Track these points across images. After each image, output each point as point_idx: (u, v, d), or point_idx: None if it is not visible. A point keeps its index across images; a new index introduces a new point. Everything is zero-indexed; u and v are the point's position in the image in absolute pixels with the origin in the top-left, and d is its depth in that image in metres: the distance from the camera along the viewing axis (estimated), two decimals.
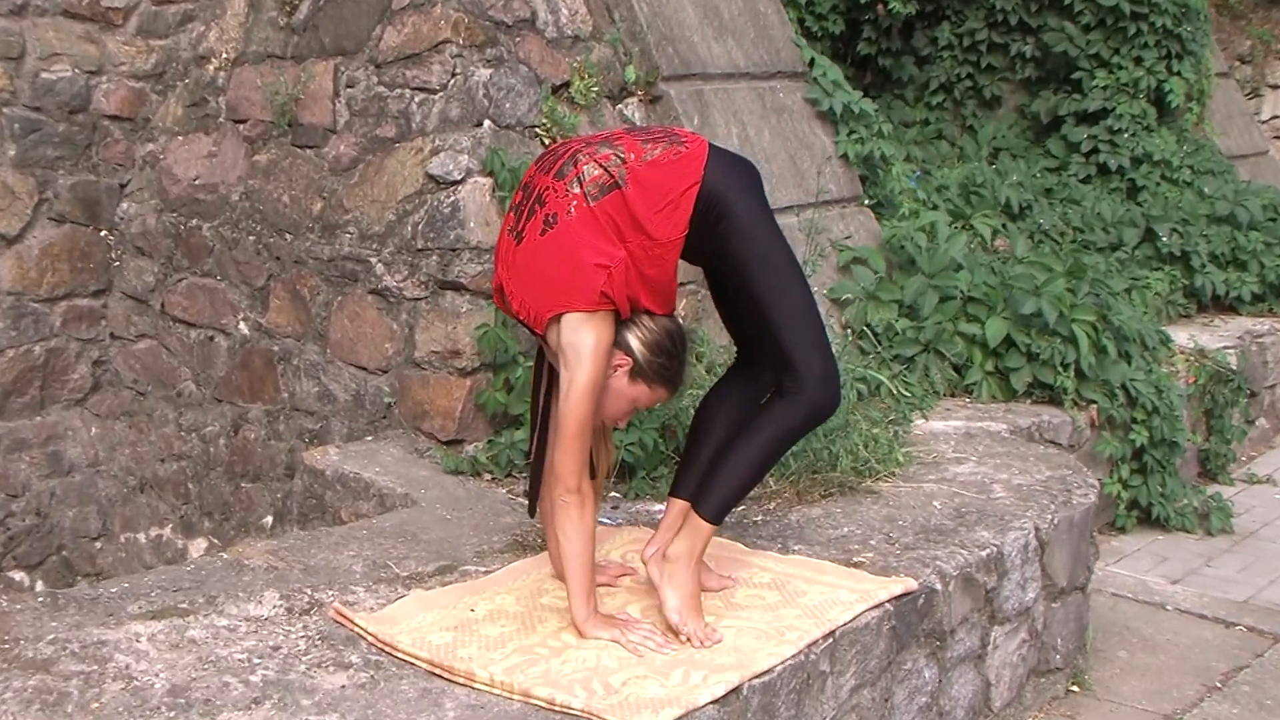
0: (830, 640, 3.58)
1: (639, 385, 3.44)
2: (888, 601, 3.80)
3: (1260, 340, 8.00)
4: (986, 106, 10.19)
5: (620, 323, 3.39)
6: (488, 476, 4.94)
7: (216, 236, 5.95)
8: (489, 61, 5.45)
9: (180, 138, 6.19)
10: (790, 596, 3.77)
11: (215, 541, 5.89)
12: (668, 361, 3.44)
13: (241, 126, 5.96)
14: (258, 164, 5.84)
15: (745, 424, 3.55)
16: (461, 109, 5.35)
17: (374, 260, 5.35)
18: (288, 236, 5.67)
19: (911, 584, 3.89)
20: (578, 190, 3.32)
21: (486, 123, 5.36)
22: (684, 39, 6.32)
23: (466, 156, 5.25)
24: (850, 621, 3.66)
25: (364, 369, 5.40)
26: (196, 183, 6.05)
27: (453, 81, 5.38)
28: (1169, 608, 5.52)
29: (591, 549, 3.40)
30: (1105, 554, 6.03)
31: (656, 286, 3.42)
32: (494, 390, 5.13)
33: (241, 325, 5.86)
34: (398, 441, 5.21)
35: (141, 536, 6.22)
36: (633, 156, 3.36)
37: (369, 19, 5.60)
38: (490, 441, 5.10)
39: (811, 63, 7.08)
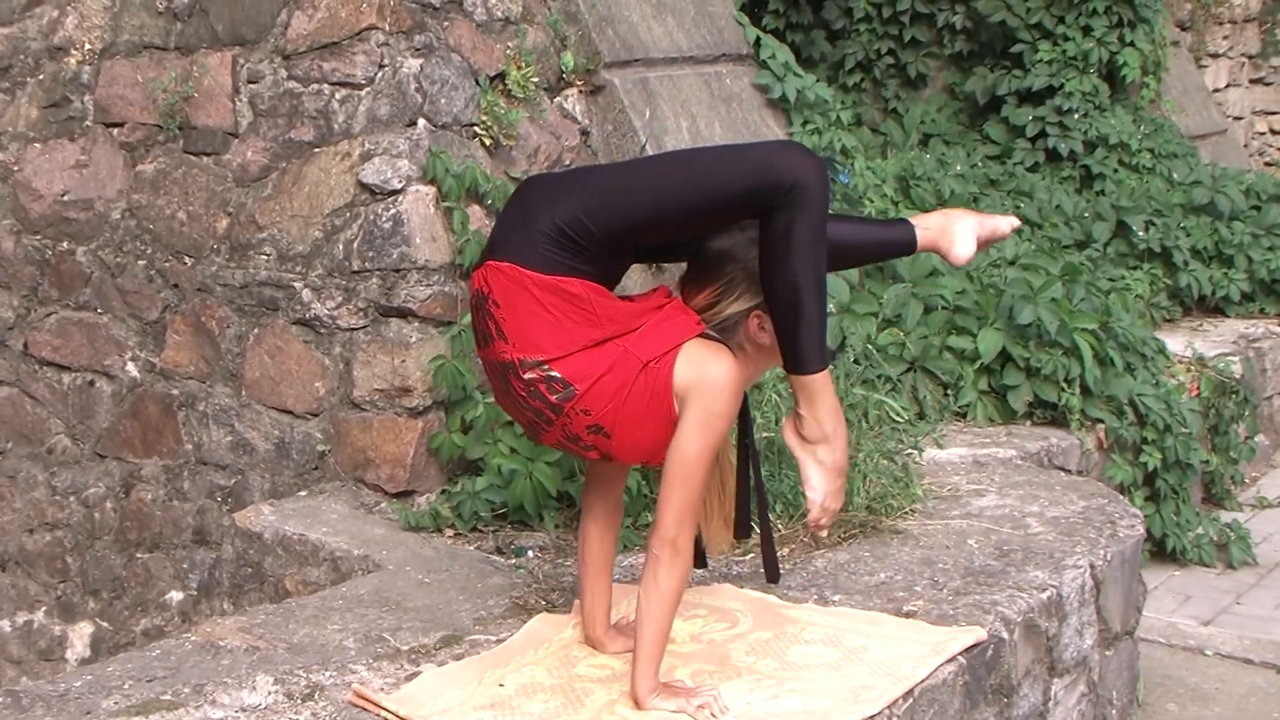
0: (909, 700, 3.77)
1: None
2: (960, 654, 4.01)
3: (1256, 345, 8.41)
4: (911, 86, 10.41)
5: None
6: (450, 532, 5.05)
7: (95, 262, 5.96)
8: (418, 50, 5.57)
9: (38, 145, 6.19)
10: (851, 653, 3.95)
11: (103, 625, 5.89)
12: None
13: (117, 131, 5.99)
14: (142, 175, 5.88)
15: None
16: (392, 106, 5.46)
17: (298, 285, 5.43)
18: (187, 260, 5.72)
19: (982, 634, 4.09)
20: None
21: (421, 121, 5.47)
22: (624, 19, 6.50)
23: (404, 161, 5.36)
24: (927, 678, 3.85)
25: (289, 412, 5.47)
26: (65, 199, 6.05)
27: (380, 74, 5.48)
28: (1209, 652, 5.82)
29: (672, 614, 3.55)
30: None
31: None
32: (449, 432, 5.24)
33: (130, 366, 5.88)
34: (337, 496, 5.29)
35: (5, 624, 6.18)
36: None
37: (271, 3, 5.68)
38: (446, 491, 5.21)
39: (757, 43, 7.31)
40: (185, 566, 5.67)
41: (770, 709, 3.59)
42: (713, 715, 3.52)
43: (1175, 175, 9.94)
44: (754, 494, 3.88)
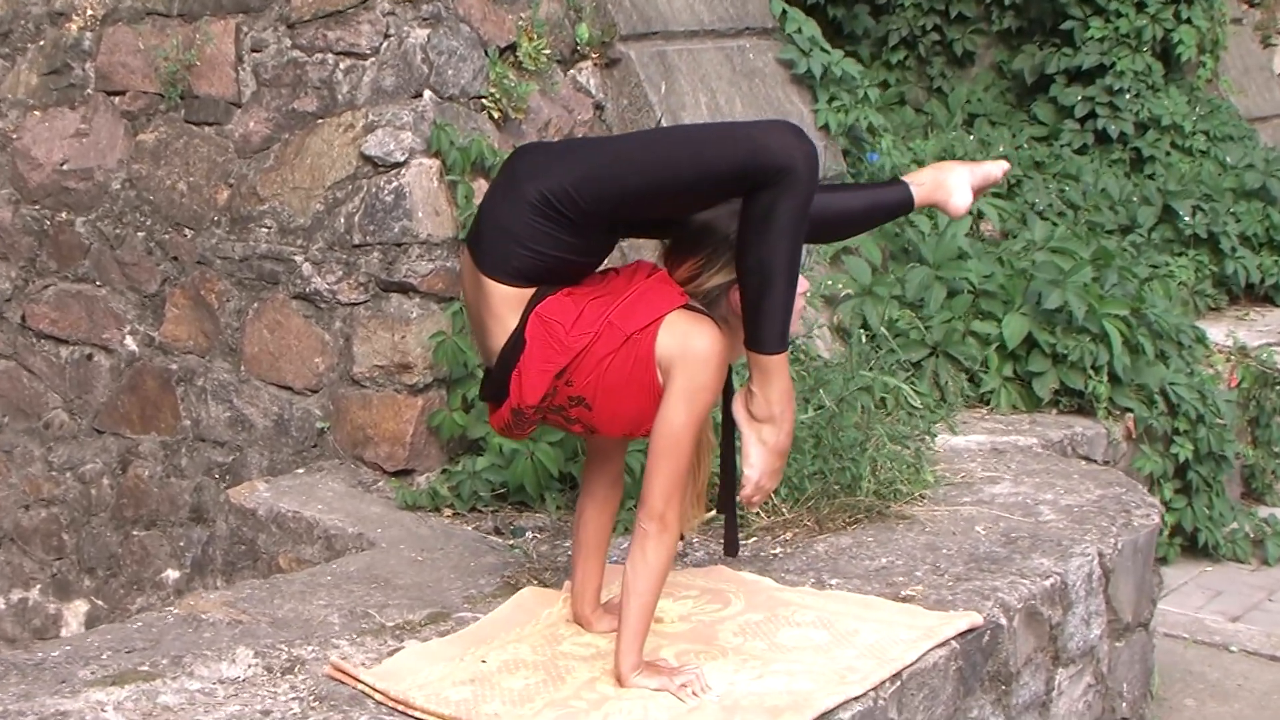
0: (898, 683, 3.90)
1: None
2: (954, 639, 4.13)
3: None
4: (958, 64, 10.50)
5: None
6: (449, 511, 5.21)
7: (94, 233, 6.15)
8: (425, 20, 5.72)
9: (37, 113, 6.37)
10: (842, 636, 4.08)
11: (99, 603, 6.07)
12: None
13: (118, 99, 6.16)
14: (143, 145, 6.05)
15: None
16: (397, 77, 5.61)
17: (299, 259, 5.59)
18: (187, 232, 5.89)
19: (977, 619, 4.22)
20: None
21: (427, 93, 5.62)
22: None
23: (409, 134, 5.52)
24: (916, 661, 3.98)
25: (288, 389, 5.64)
26: (64, 168, 6.23)
27: (385, 44, 5.64)
28: (1233, 649, 5.93)
29: (657, 592, 3.69)
30: None
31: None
32: (450, 410, 5.40)
33: (128, 340, 6.06)
34: (335, 474, 5.45)
35: (0, 602, 6.38)
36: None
37: None
38: (446, 471, 5.37)
39: (783, 16, 7.43)
40: (182, 545, 5.85)
41: (753, 689, 3.72)
42: (694, 694, 3.66)
43: (1229, 159, 10.00)
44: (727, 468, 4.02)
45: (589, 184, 3.64)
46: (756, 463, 3.77)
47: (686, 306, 3.71)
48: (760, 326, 3.66)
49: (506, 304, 3.70)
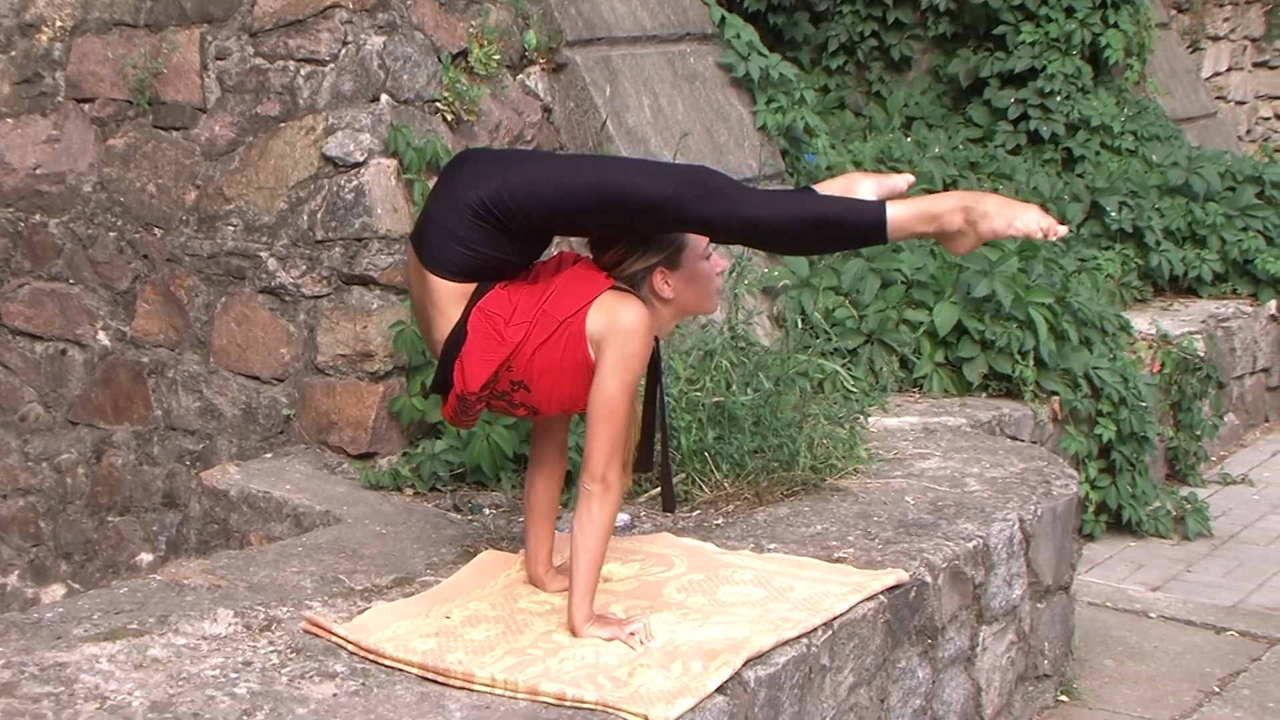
0: (830, 632, 4.24)
1: (699, 262, 4.14)
2: (881, 593, 4.49)
3: (1226, 325, 8.90)
4: (895, 69, 10.77)
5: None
6: (410, 491, 5.53)
7: (66, 234, 6.45)
8: (381, 28, 6.05)
9: (10, 120, 6.66)
10: (777, 592, 4.42)
11: (76, 586, 6.36)
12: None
13: (88, 106, 6.46)
14: (113, 149, 6.36)
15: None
16: (355, 82, 5.94)
17: (264, 255, 5.92)
18: (157, 231, 6.20)
19: (903, 575, 4.57)
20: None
21: (384, 97, 5.96)
22: None
23: (367, 135, 5.85)
24: (847, 612, 4.33)
25: (256, 378, 5.96)
26: (37, 172, 6.53)
27: (344, 51, 5.96)
28: (1152, 615, 6.29)
29: (603, 547, 4.03)
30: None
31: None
32: (410, 396, 5.72)
33: (101, 335, 6.37)
34: (302, 457, 5.77)
35: None
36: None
37: None
38: (407, 454, 5.69)
39: (722, 22, 7.79)
40: (155, 529, 6.16)
41: (693, 636, 4.05)
42: (641, 642, 4.00)
43: (1155, 157, 10.34)
44: (659, 430, 4.35)
45: (523, 194, 4.01)
46: (1021, 223, 4.09)
47: (614, 287, 4.07)
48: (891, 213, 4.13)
49: (449, 297, 4.06)
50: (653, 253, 4.09)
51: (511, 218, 3.99)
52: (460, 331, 4.05)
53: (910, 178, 4.64)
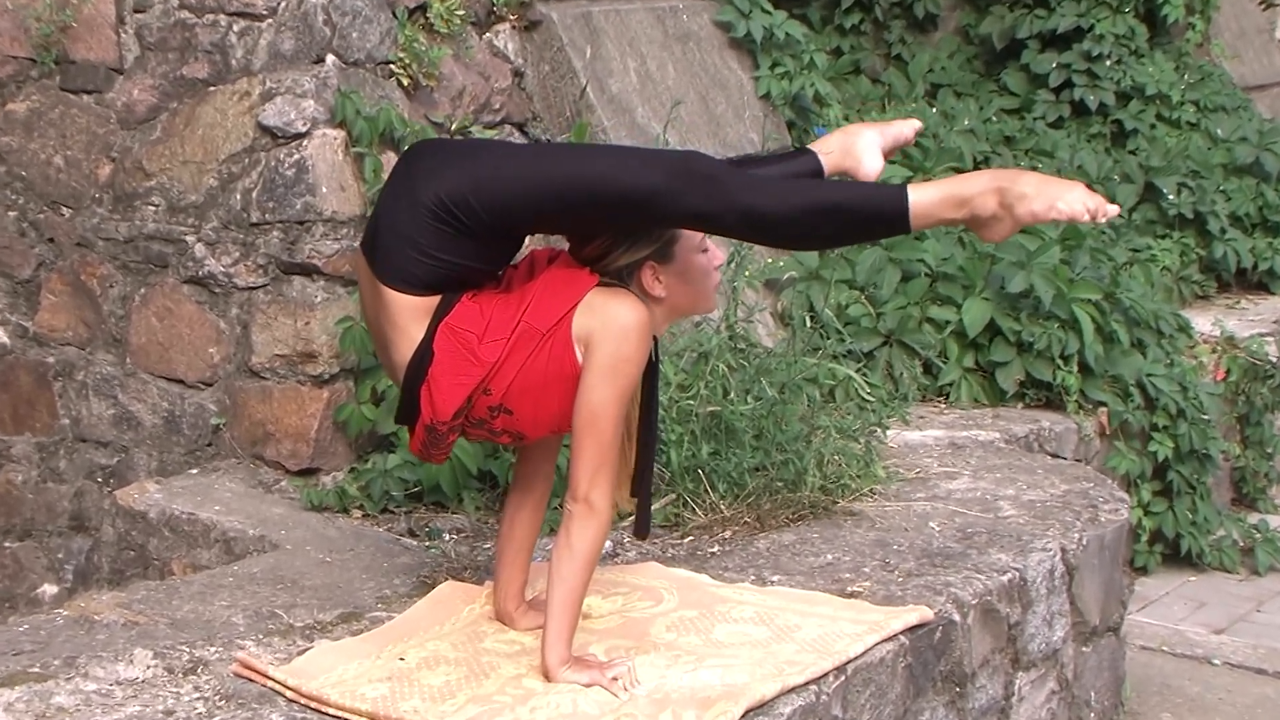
0: (842, 678, 4.26)
1: (694, 255, 4.12)
2: (901, 633, 4.50)
3: None
4: (919, 29, 10.67)
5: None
6: (359, 513, 5.54)
7: None
8: None
9: None
10: (782, 632, 4.43)
11: None
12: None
13: None
14: (13, 115, 6.34)
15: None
16: (297, 40, 5.94)
17: (191, 239, 5.92)
18: (65, 211, 6.20)
19: (928, 613, 4.58)
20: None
21: (330, 58, 5.96)
22: None
23: (310, 102, 5.85)
24: (861, 655, 4.34)
25: (180, 382, 5.96)
26: None
27: (283, 4, 5.96)
28: (1216, 661, 6.31)
29: (585, 580, 4.01)
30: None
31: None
32: (358, 403, 5.72)
33: None
34: (233, 473, 5.78)
35: None
36: None
37: None
38: (354, 470, 5.69)
39: None
40: (60, 556, 6.15)
41: (686, 681, 4.05)
42: (625, 687, 4.00)
43: (1220, 131, 10.30)
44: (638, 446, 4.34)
45: (488, 191, 3.95)
46: (1065, 204, 4.00)
47: (601, 283, 4.05)
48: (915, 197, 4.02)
49: (409, 314, 4.00)
50: (641, 245, 4.06)
51: (476, 219, 3.93)
52: (425, 353, 3.99)
53: (917, 123, 4.63)
